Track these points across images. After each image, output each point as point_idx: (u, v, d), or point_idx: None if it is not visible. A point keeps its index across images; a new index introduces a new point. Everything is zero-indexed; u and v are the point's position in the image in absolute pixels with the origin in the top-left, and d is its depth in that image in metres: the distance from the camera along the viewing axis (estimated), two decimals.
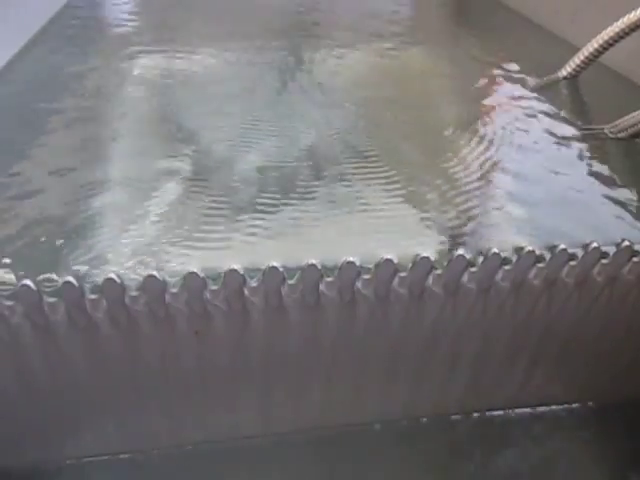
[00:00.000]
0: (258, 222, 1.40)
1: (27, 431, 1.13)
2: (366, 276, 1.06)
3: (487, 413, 1.45)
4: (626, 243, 1.09)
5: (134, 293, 0.98)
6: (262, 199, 1.54)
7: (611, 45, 1.97)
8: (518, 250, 1.12)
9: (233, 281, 1.00)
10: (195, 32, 2.80)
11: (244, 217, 1.43)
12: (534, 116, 1.93)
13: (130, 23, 2.87)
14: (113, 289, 0.95)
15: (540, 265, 1.11)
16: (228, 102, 2.21)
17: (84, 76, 2.23)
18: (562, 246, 1.08)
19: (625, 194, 1.52)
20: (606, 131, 1.69)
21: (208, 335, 1.05)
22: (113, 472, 1.29)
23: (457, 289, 1.11)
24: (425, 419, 1.39)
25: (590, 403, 1.46)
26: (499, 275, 1.12)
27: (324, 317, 1.08)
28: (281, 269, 1.01)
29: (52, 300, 0.95)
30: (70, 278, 0.93)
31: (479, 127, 1.89)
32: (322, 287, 1.06)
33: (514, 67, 2.31)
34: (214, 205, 1.50)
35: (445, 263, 1.10)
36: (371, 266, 1.06)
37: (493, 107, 2.03)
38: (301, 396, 1.24)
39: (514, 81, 2.21)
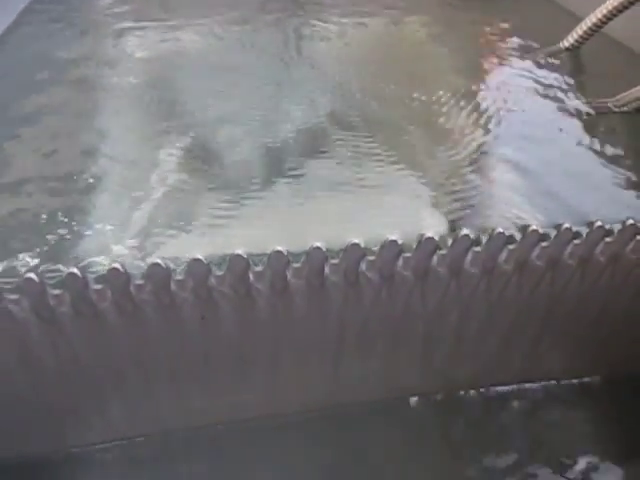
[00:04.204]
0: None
1: (34, 421, 1.14)
2: (370, 257, 1.06)
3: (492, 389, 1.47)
4: (630, 221, 1.08)
5: (139, 281, 0.97)
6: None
7: (614, 16, 1.95)
8: (522, 229, 1.12)
9: (238, 266, 0.99)
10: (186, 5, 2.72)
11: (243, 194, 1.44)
12: (536, 89, 1.91)
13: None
14: (118, 278, 0.95)
15: (544, 244, 1.11)
16: (219, 79, 2.18)
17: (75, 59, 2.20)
18: (566, 225, 1.08)
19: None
20: (610, 105, 1.68)
21: (214, 320, 1.05)
22: (118, 457, 1.32)
23: (460, 270, 1.11)
24: (437, 395, 1.41)
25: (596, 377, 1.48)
26: (503, 255, 1.12)
27: (329, 299, 1.08)
28: (285, 252, 1.01)
29: (57, 292, 0.95)
30: (74, 269, 0.92)
31: (480, 100, 1.87)
32: (327, 269, 1.06)
33: (516, 39, 2.27)
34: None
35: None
36: (375, 248, 1.06)
37: (495, 78, 2.00)
38: (307, 378, 1.25)
39: (517, 52, 2.17)
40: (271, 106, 1.98)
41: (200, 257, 0.97)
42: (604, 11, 1.96)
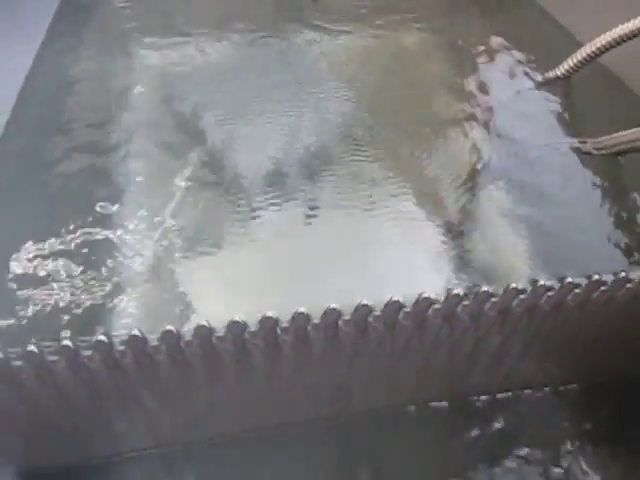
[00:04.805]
0: None
1: (72, 436, 1.37)
2: (376, 312, 1.28)
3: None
4: (541, 283, 1.28)
5: (188, 338, 1.19)
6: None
7: (608, 50, 1.98)
8: (505, 287, 1.32)
9: (268, 323, 1.21)
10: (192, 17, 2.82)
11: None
12: (522, 119, 2.05)
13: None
14: (171, 338, 1.16)
15: (522, 297, 1.33)
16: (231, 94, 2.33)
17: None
18: (513, 285, 1.28)
19: None
20: (589, 146, 1.82)
21: (247, 364, 1.27)
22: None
23: (451, 318, 1.33)
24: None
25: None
26: (487, 305, 1.33)
27: (342, 346, 1.30)
28: (307, 312, 1.22)
29: (121, 348, 1.16)
30: (136, 332, 1.14)
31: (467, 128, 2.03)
32: (340, 323, 1.27)
33: (511, 58, 2.36)
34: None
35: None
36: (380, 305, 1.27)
37: (484, 106, 2.14)
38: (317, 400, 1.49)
39: (509, 74, 2.28)
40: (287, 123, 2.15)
41: (238, 319, 1.18)
42: (598, 44, 2.00)
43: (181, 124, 2.21)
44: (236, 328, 1.18)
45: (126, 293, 1.64)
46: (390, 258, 1.68)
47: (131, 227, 1.78)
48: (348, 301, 1.23)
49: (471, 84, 2.24)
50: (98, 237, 1.77)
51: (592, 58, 2.07)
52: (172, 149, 2.08)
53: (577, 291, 1.34)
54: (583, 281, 1.34)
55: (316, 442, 1.59)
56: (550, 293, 1.33)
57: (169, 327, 1.15)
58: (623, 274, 1.33)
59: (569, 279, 1.33)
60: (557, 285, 1.33)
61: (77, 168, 1.95)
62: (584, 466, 1.66)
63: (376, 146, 2.08)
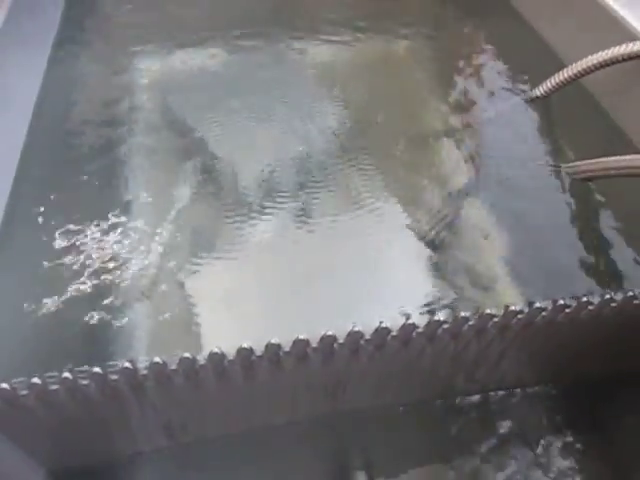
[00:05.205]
0: None
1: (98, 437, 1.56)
2: (367, 337, 1.45)
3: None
4: (512, 308, 1.47)
5: (202, 362, 1.36)
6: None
7: (589, 73, 2.01)
8: (481, 312, 1.50)
9: (272, 349, 1.38)
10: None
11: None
12: (500, 138, 2.18)
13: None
14: (187, 362, 1.33)
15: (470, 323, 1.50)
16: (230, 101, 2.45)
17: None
18: (487, 310, 1.46)
19: None
20: (562, 171, 1.97)
21: (254, 380, 1.45)
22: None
23: (433, 338, 1.51)
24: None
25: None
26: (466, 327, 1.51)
27: (337, 364, 1.49)
28: (305, 337, 1.39)
29: (145, 372, 1.34)
30: (158, 359, 1.31)
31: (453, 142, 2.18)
32: (335, 345, 1.45)
33: (496, 74, 2.47)
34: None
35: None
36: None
37: (464, 122, 2.26)
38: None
39: (491, 92, 2.40)
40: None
41: (246, 346, 1.35)
42: (580, 67, 2.03)
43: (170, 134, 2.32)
44: (245, 353, 1.36)
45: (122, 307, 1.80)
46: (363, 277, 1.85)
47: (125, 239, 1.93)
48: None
49: (453, 99, 2.36)
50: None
51: (573, 80, 2.11)
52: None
53: (544, 314, 1.53)
54: (549, 304, 1.52)
55: (313, 438, 1.81)
56: (520, 316, 1.51)
57: (186, 354, 1.32)
58: (585, 298, 1.51)
59: (537, 304, 1.50)
60: (526, 309, 1.51)
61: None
62: (559, 452, 1.89)
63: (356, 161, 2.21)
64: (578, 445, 1.90)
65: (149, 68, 2.60)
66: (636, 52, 1.84)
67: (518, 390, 1.94)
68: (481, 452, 1.91)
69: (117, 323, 1.74)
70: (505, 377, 1.81)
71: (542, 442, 1.92)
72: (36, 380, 1.27)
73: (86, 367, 1.35)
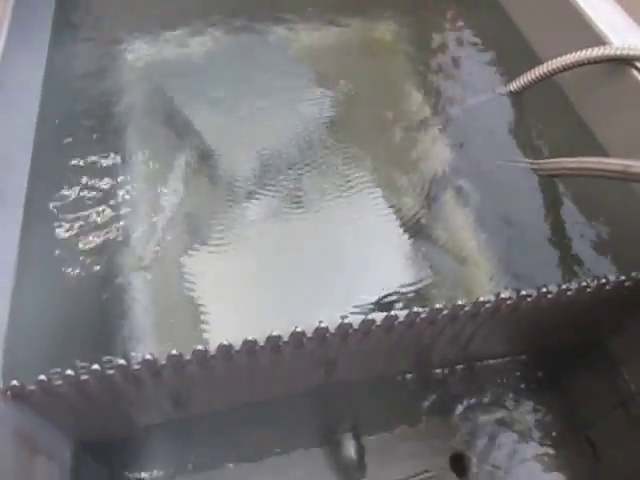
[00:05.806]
0: None
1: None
2: (355, 327, 1.67)
3: None
4: (481, 299, 1.69)
5: (212, 353, 1.57)
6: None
7: (563, 71, 2.08)
8: (453, 305, 1.71)
9: (273, 340, 1.59)
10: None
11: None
12: (474, 132, 2.32)
13: None
14: (200, 353, 1.54)
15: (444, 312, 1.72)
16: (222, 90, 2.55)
17: None
18: (459, 302, 1.68)
19: None
20: (529, 166, 2.13)
21: (257, 367, 1.67)
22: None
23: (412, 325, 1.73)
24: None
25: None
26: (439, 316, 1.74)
27: (328, 350, 1.71)
28: (301, 329, 1.60)
29: (162, 363, 1.54)
30: (174, 351, 1.51)
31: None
32: (327, 335, 1.66)
33: (473, 66, 2.57)
34: None
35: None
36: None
37: (441, 117, 2.38)
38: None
39: (467, 86, 2.48)
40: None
41: (251, 338, 1.56)
42: (555, 65, 2.09)
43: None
44: (249, 344, 1.56)
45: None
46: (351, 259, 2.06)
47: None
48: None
49: (430, 91, 2.46)
50: None
51: (547, 77, 2.17)
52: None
53: (509, 302, 1.75)
54: (513, 294, 1.75)
55: (307, 407, 2.06)
56: (487, 305, 1.74)
57: (199, 346, 1.53)
58: (544, 288, 1.74)
59: (502, 294, 1.73)
60: (493, 298, 1.73)
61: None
62: (528, 409, 2.18)
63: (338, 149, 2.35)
64: (539, 406, 2.20)
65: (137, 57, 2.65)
66: (606, 56, 1.99)
67: (490, 361, 2.21)
68: (456, 413, 2.20)
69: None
70: (475, 353, 2.06)
71: (512, 402, 2.21)
72: (69, 372, 1.47)
73: (110, 357, 1.56)
